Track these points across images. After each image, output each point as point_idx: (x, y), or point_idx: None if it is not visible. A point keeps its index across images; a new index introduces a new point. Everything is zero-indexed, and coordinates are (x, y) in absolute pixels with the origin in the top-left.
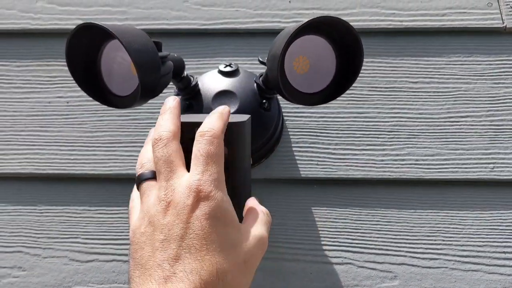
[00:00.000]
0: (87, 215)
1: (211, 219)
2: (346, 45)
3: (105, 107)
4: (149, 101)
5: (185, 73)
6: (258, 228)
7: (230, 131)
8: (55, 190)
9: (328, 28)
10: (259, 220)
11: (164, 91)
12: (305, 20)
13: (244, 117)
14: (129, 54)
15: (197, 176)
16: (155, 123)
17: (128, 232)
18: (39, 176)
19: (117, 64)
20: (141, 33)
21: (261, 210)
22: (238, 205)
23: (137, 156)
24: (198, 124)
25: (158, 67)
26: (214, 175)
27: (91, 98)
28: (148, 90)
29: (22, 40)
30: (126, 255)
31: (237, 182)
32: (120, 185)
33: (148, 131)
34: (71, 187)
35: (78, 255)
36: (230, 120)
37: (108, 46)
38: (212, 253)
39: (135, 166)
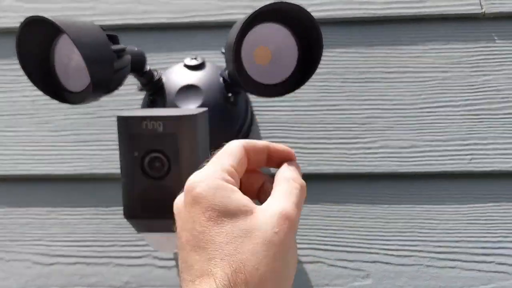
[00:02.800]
0: (51, 217)
1: None
2: (306, 33)
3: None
4: (114, 98)
5: (148, 67)
6: None
7: (180, 124)
8: (18, 191)
9: (286, 15)
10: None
11: (125, 86)
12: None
13: (199, 110)
14: (77, 48)
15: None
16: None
17: (92, 234)
18: (2, 178)
19: (71, 60)
20: (93, 27)
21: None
22: None
23: (103, 154)
24: (160, 118)
25: (110, 61)
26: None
27: None
28: (100, 85)
29: None
30: (89, 257)
31: (186, 177)
32: (85, 185)
33: (113, 129)
34: (35, 187)
35: (41, 258)
36: (182, 114)
37: (60, 40)
38: None
39: (100, 165)
